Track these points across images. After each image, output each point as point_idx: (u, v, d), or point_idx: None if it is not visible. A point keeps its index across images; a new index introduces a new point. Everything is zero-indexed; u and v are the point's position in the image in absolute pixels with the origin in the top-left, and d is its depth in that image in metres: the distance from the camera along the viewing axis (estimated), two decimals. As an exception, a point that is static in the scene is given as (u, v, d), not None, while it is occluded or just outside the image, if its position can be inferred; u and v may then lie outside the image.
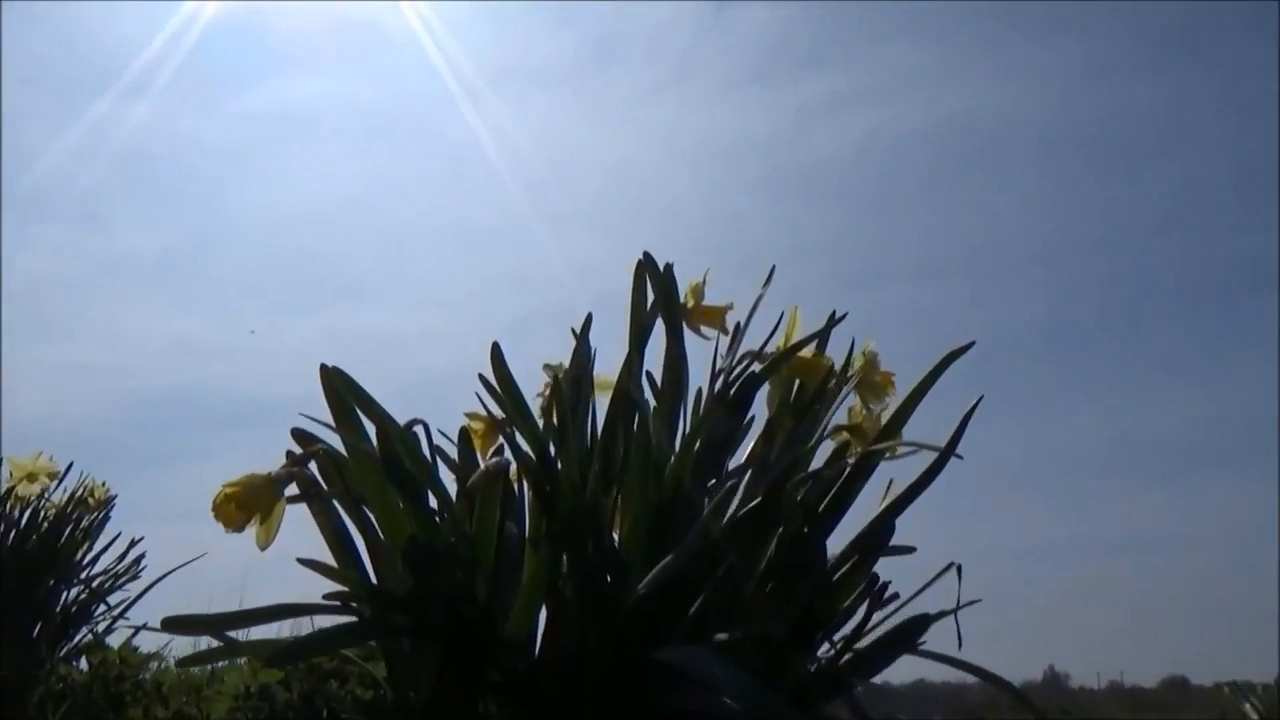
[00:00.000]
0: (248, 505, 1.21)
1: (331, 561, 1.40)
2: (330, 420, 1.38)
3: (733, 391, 1.32)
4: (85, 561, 3.20)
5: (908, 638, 1.09)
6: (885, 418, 1.65)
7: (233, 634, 1.33)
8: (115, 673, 3.07)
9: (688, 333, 1.56)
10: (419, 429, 1.58)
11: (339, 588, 1.21)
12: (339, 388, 1.30)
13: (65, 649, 3.05)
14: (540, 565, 1.33)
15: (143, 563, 3.40)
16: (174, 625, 1.22)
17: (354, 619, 1.15)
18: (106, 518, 3.35)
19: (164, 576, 3.31)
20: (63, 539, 3.21)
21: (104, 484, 3.31)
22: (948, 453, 1.23)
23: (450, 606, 1.18)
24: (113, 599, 3.32)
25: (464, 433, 1.69)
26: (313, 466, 1.38)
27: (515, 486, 1.59)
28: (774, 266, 1.44)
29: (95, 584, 3.22)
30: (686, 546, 1.11)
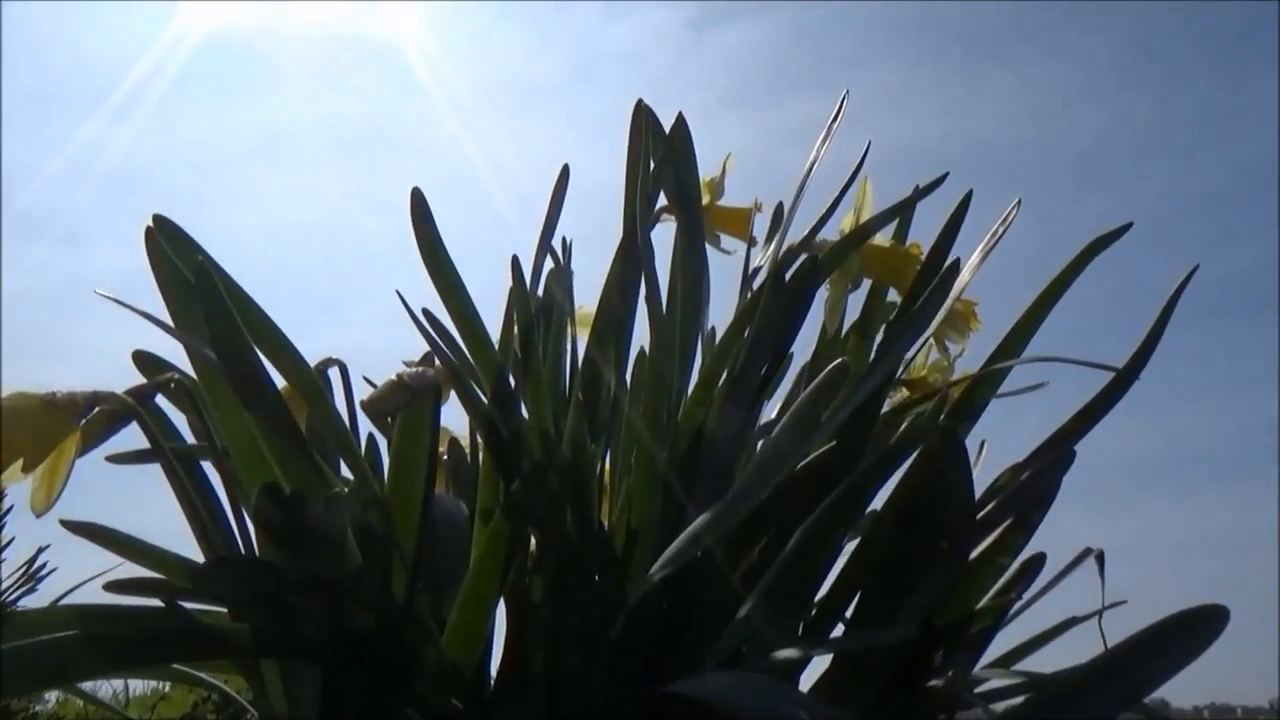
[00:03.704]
0: (3, 442, 0.73)
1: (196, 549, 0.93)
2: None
3: (788, 278, 0.85)
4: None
5: (1142, 677, 0.57)
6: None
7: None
8: (1, 706, 2.57)
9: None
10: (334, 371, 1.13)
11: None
12: (172, 256, 0.82)
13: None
14: (493, 548, 0.86)
15: (44, 574, 2.92)
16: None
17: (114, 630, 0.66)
18: (0, 523, 2.86)
19: (70, 591, 2.81)
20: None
21: (-3, 482, 2.81)
22: (1138, 364, 0.77)
23: (329, 605, 0.71)
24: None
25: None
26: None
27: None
28: (847, 91, 0.98)
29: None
30: (743, 493, 0.64)
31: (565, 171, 0.95)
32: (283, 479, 0.75)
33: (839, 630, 0.86)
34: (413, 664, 0.79)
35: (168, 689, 2.44)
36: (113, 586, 0.65)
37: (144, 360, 1.01)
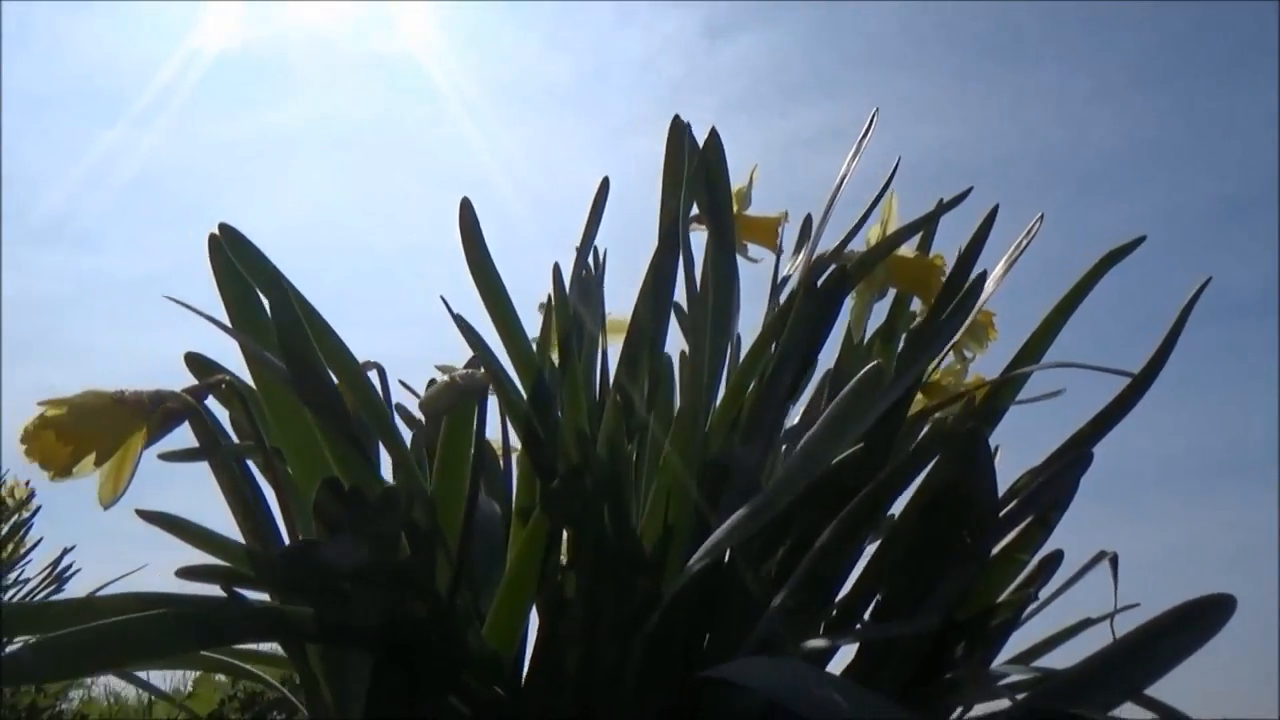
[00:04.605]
0: (77, 436, 0.78)
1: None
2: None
3: (820, 283, 0.89)
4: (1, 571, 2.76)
5: (1147, 665, 0.61)
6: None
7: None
8: (28, 703, 2.61)
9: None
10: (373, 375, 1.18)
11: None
12: (237, 263, 0.86)
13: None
14: (532, 545, 0.90)
15: (69, 573, 2.97)
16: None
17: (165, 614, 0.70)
18: (30, 522, 2.91)
19: (96, 590, 2.86)
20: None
21: (26, 482, 2.87)
22: (1153, 370, 0.81)
23: (386, 595, 0.75)
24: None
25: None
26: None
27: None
28: (876, 110, 1.02)
29: (12, 597, 2.78)
30: (779, 489, 0.68)
31: (605, 184, 1.00)
32: (341, 476, 0.79)
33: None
34: (459, 654, 0.83)
35: (190, 688, 2.48)
36: (184, 573, 0.69)
37: (195, 361, 1.05)
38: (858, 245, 1.03)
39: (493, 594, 0.92)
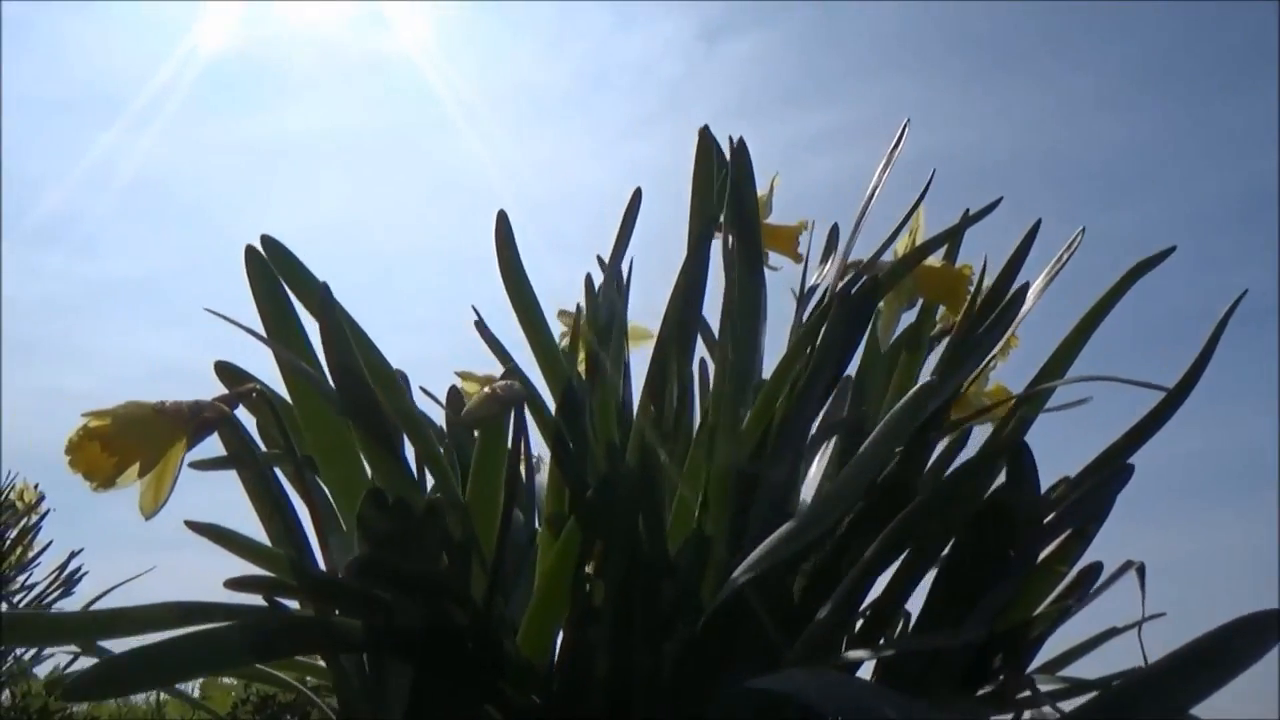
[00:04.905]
0: (121, 447, 0.78)
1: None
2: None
3: (854, 291, 0.89)
4: (9, 575, 2.76)
5: (1193, 684, 0.61)
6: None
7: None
8: (39, 705, 2.61)
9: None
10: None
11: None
12: (275, 271, 0.86)
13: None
14: (566, 555, 0.90)
15: (78, 577, 2.96)
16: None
17: (227, 625, 0.70)
18: (38, 526, 2.91)
19: (104, 594, 2.86)
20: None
21: (36, 486, 2.86)
22: (1189, 384, 0.81)
23: (428, 604, 0.75)
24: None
25: (454, 395, 1.27)
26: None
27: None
28: (908, 120, 1.02)
29: (20, 601, 2.77)
30: (831, 500, 0.68)
31: (637, 195, 1.00)
32: (382, 486, 0.79)
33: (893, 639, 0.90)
34: (497, 662, 0.84)
35: (199, 692, 2.48)
36: (232, 584, 0.69)
37: (224, 370, 1.05)
38: (882, 255, 1.03)
39: (522, 602, 0.92)
